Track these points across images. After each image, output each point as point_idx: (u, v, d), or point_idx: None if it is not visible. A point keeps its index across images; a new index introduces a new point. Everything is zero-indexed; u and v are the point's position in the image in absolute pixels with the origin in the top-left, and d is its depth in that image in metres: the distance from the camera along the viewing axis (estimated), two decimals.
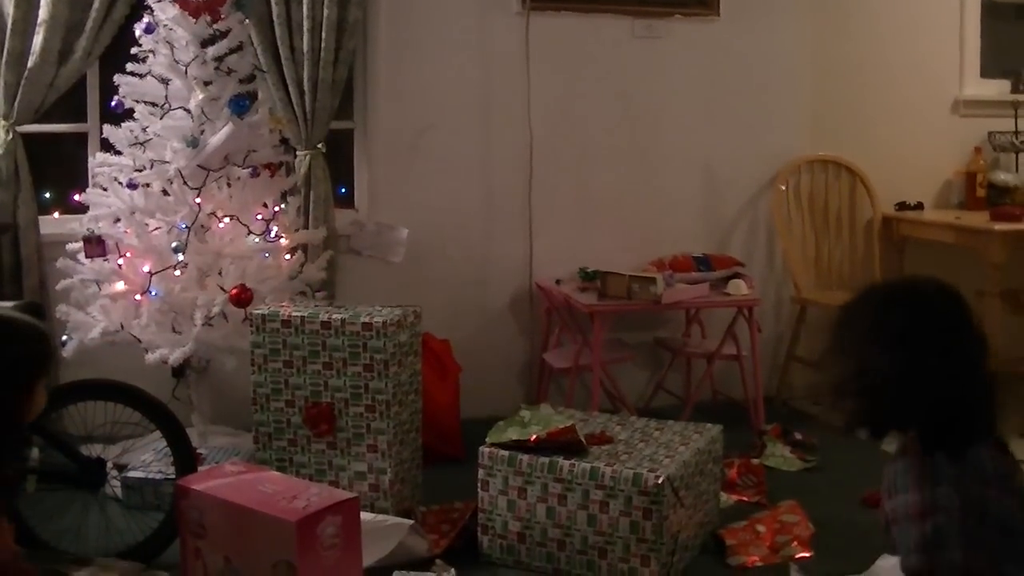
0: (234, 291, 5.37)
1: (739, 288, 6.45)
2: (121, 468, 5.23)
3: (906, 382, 2.86)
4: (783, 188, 7.07)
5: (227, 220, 5.59)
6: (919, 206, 7.26)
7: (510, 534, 4.69)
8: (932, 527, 2.75)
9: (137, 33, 5.67)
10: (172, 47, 5.57)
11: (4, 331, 3.37)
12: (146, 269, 5.45)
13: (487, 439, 4.81)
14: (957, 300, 2.92)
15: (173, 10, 5.54)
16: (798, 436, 6.12)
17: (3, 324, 3.41)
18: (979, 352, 2.88)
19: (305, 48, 6.19)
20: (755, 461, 5.74)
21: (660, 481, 4.40)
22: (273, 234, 5.72)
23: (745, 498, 5.39)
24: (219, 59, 5.67)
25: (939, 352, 2.84)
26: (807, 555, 4.77)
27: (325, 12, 6.18)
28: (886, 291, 3.06)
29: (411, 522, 4.74)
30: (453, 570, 4.54)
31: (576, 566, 4.55)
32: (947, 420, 2.84)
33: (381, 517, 4.77)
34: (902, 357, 2.85)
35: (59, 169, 6.67)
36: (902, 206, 7.22)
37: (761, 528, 4.99)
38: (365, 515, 4.75)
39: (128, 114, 5.68)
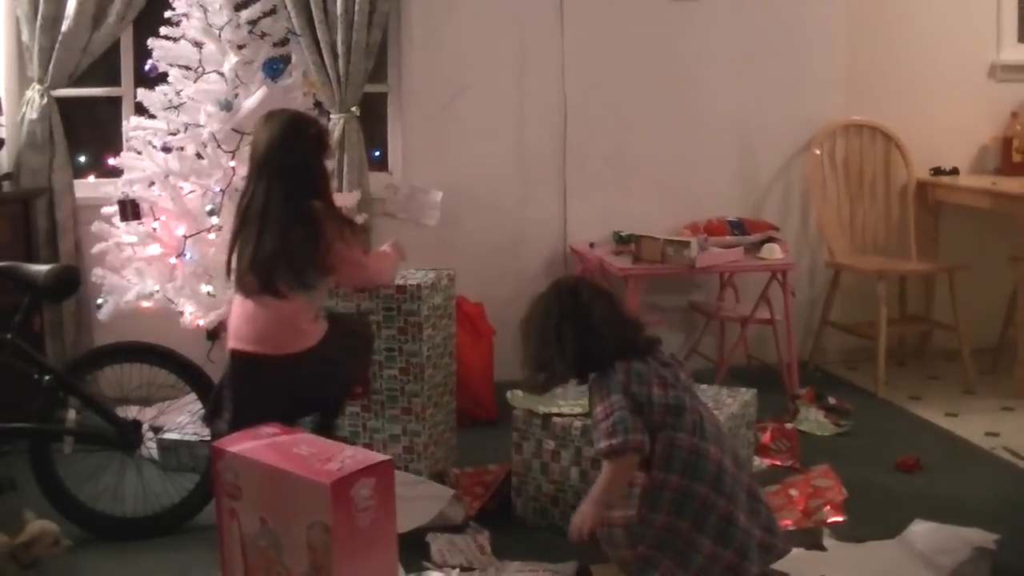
0: None
1: (773, 252, 6.43)
2: (157, 430, 5.26)
3: (564, 347, 3.99)
4: (818, 152, 7.03)
5: None
6: (954, 171, 7.21)
7: (543, 497, 4.70)
8: (612, 421, 3.81)
9: None
10: (206, 11, 5.56)
11: None
12: (180, 232, 5.46)
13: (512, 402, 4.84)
14: (578, 288, 4.09)
15: None
16: (831, 401, 6.11)
17: None
18: (602, 312, 3.98)
19: (339, 11, 6.18)
20: (788, 425, 5.72)
21: None
22: None
23: (778, 462, 5.38)
24: (253, 22, 5.66)
25: (575, 322, 3.98)
26: (840, 519, 4.76)
27: None
28: (544, 295, 4.15)
29: (453, 492, 4.75)
30: (487, 532, 4.56)
31: None
32: (601, 357, 3.95)
33: (423, 486, 4.82)
34: (556, 333, 4.00)
35: (94, 133, 6.70)
36: (937, 171, 7.17)
37: (794, 492, 4.98)
38: (406, 480, 4.81)
39: (162, 78, 5.68)
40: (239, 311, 4.35)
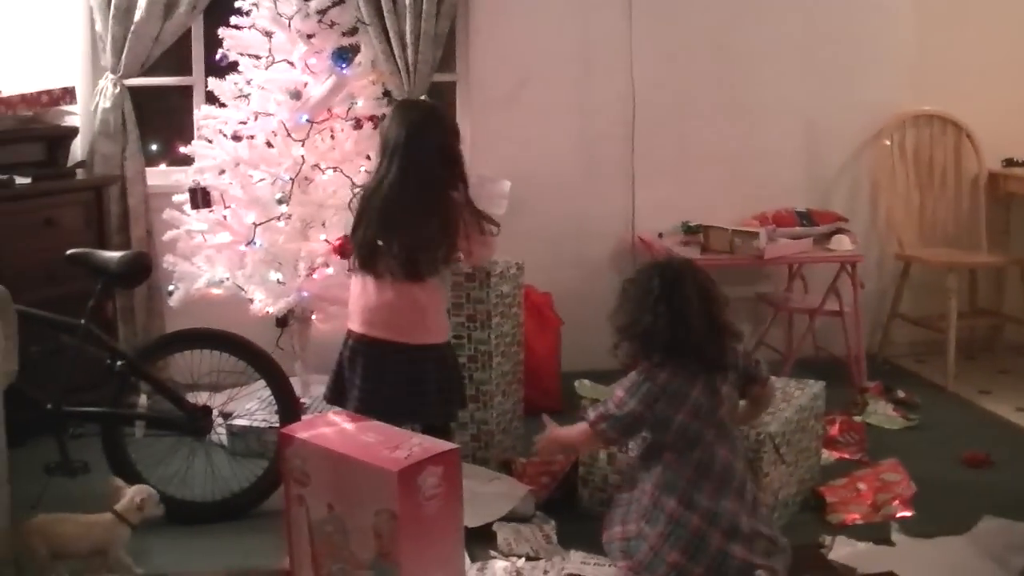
0: (337, 242, 5.40)
1: (842, 244, 6.40)
2: (226, 416, 5.30)
3: (649, 328, 4.04)
4: (888, 143, 6.98)
5: (330, 172, 5.63)
6: None
7: (609, 487, 4.70)
8: (615, 415, 4.06)
9: None
10: (275, 0, 5.60)
11: None
12: (250, 220, 5.50)
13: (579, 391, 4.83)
14: (683, 277, 4.07)
15: None
16: (900, 394, 6.07)
17: None
18: (694, 310, 4.01)
19: (407, 0, 6.19)
20: (856, 418, 5.70)
21: (760, 437, 4.39)
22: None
23: (846, 455, 5.35)
24: (322, 12, 5.70)
25: (668, 308, 4.02)
26: (908, 514, 4.73)
27: None
28: (651, 266, 4.20)
29: (527, 488, 4.77)
30: (553, 522, 4.57)
31: None
32: (667, 349, 4.03)
33: (498, 481, 4.86)
34: (649, 311, 4.04)
35: (165, 121, 6.75)
36: (1009, 162, 7.09)
37: (862, 486, 4.95)
38: (480, 474, 4.90)
39: (232, 67, 5.73)
40: (369, 298, 4.46)
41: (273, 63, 5.63)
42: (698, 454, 3.96)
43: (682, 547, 3.87)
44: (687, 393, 3.97)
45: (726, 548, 3.86)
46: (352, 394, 4.48)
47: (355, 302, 4.52)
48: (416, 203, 4.37)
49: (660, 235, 6.63)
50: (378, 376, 4.44)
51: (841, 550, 4.33)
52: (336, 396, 4.57)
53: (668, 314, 3.99)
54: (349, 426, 3.89)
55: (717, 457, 3.97)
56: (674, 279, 4.05)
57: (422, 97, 6.32)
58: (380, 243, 4.37)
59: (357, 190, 4.74)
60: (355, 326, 4.51)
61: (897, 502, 4.82)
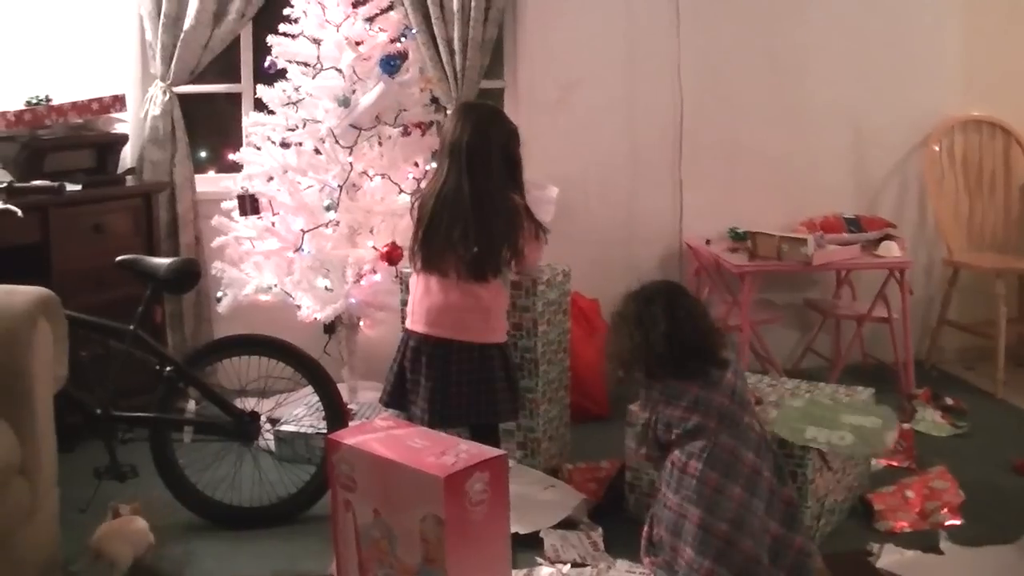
0: (385, 249, 5.42)
1: (890, 250, 6.37)
2: (274, 422, 5.33)
3: (631, 351, 4.15)
4: (936, 148, 6.95)
5: (378, 178, 5.65)
6: None
7: (656, 493, 4.69)
8: (647, 438, 4.16)
9: None
10: (323, 7, 5.63)
11: None
12: (298, 227, 5.53)
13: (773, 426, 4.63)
14: (654, 298, 4.16)
15: None
16: (949, 401, 6.04)
17: None
18: (668, 327, 4.08)
19: (455, 7, 6.21)
20: (905, 425, 5.66)
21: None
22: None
23: (894, 463, 5.32)
24: (370, 19, 5.73)
25: (643, 331, 4.11)
26: (957, 522, 4.70)
27: None
28: (629, 295, 4.26)
29: (582, 496, 4.79)
30: (600, 529, 4.57)
31: None
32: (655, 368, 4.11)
33: (554, 489, 4.88)
34: (628, 336, 4.14)
35: (214, 128, 6.80)
36: None
37: (910, 494, 4.91)
38: (538, 480, 4.96)
39: (280, 74, 5.76)
40: (434, 298, 4.55)
41: (321, 70, 5.66)
42: (699, 444, 4.00)
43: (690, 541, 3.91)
44: (680, 391, 4.07)
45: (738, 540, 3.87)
46: (419, 394, 4.53)
47: (418, 303, 4.58)
48: (479, 202, 4.46)
49: (708, 241, 6.62)
50: (444, 375, 4.50)
51: (889, 558, 4.31)
52: (397, 399, 4.63)
53: (640, 335, 4.11)
54: (396, 432, 3.90)
55: (720, 445, 3.99)
56: (646, 301, 4.17)
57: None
58: (446, 242, 4.45)
59: (415, 195, 4.76)
60: (418, 327, 4.57)
61: (946, 510, 4.79)
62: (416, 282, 4.62)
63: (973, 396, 6.34)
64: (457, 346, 4.50)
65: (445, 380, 4.50)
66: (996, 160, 7.03)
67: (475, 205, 4.45)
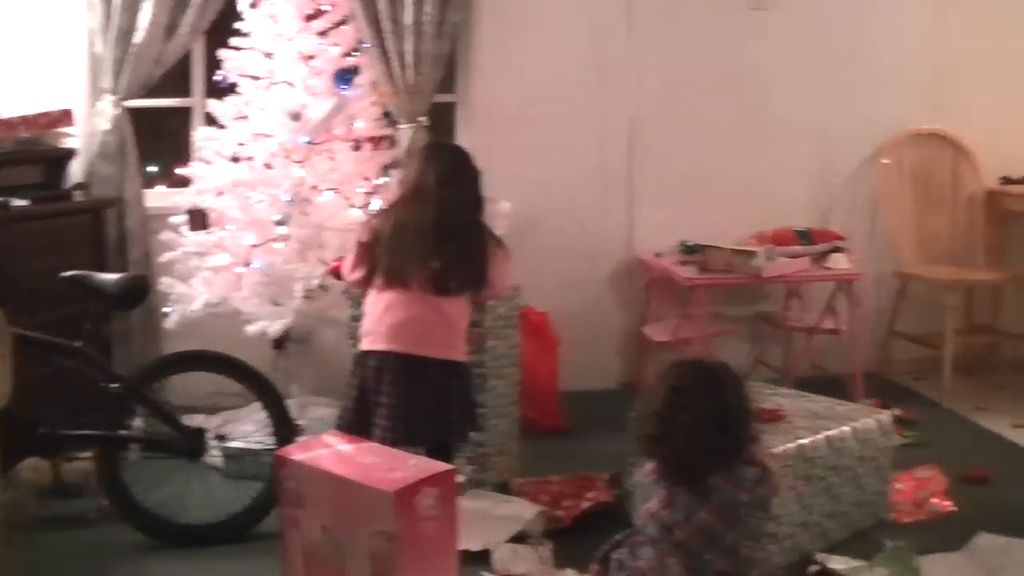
0: (335, 263, 5.41)
1: (840, 262, 6.41)
2: (222, 438, 5.29)
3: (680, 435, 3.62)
4: (887, 162, 6.99)
5: (329, 193, 5.64)
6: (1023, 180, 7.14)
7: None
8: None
9: (242, 7, 5.72)
10: (276, 21, 5.62)
11: None
12: (248, 242, 5.51)
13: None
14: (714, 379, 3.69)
15: None
16: (898, 412, 6.07)
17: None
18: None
19: (408, 21, 6.21)
20: None
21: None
22: (374, 207, 5.72)
23: None
24: (323, 33, 5.72)
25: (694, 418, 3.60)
26: (950, 506, 4.96)
27: None
28: (681, 368, 3.76)
29: (539, 508, 4.81)
30: (550, 543, 4.56)
31: None
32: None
33: (509, 504, 4.91)
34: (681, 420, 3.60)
35: (164, 143, 6.77)
36: (1007, 180, 7.09)
37: (900, 485, 5.10)
38: (493, 497, 5.00)
39: (232, 88, 5.74)
40: (396, 314, 4.52)
41: (273, 84, 5.65)
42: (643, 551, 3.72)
43: None
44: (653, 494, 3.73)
45: None
46: (380, 412, 4.50)
47: (378, 322, 4.55)
48: (444, 225, 4.51)
49: (658, 255, 6.63)
50: (406, 391, 4.48)
51: (836, 566, 4.33)
52: (356, 424, 4.54)
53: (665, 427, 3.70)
54: (345, 448, 3.91)
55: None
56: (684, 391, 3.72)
57: (421, 119, 6.34)
58: (410, 256, 4.50)
59: (368, 223, 4.76)
60: (379, 344, 4.54)
61: (936, 499, 4.99)
62: (374, 301, 4.60)
63: (921, 406, 6.41)
64: (421, 362, 4.48)
65: (407, 397, 4.47)
66: (945, 173, 7.10)
67: (438, 225, 4.49)
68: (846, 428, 4.67)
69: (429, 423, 4.48)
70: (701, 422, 3.61)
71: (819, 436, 4.55)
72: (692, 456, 3.63)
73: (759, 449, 3.84)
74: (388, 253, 4.55)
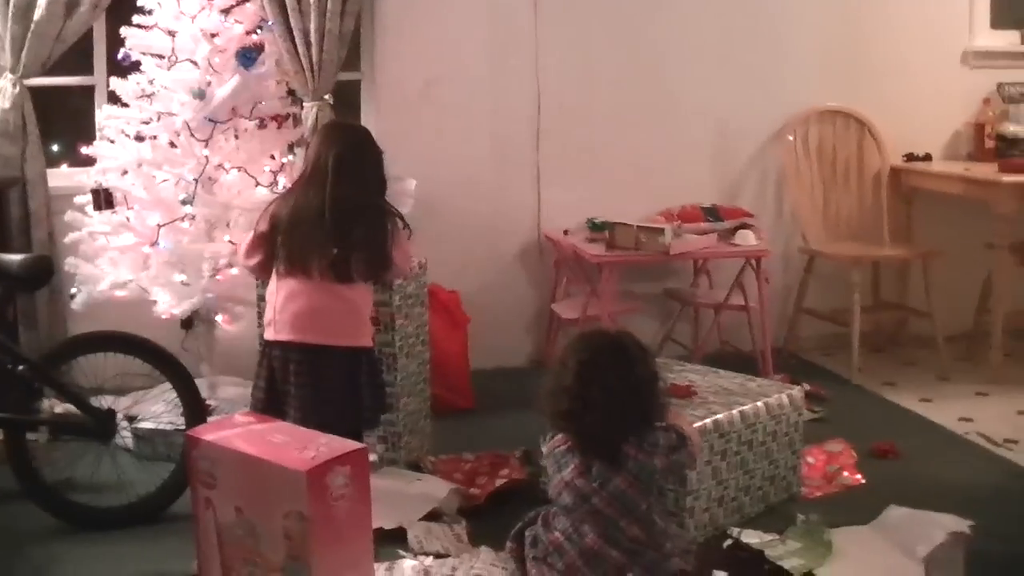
0: (243, 243, 5.37)
1: (747, 239, 6.46)
2: (132, 419, 5.25)
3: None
4: (791, 139, 7.05)
5: (235, 172, 5.59)
6: (927, 157, 7.22)
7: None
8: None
9: None
10: None
11: None
12: (154, 221, 5.45)
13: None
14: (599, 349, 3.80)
15: None
16: (806, 387, 6.11)
17: None
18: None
19: None
20: None
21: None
22: (281, 186, 5.66)
23: None
24: (226, 11, 5.66)
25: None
26: (860, 479, 5.04)
27: None
28: (586, 341, 3.88)
29: (453, 486, 4.82)
30: (464, 521, 4.57)
31: None
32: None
33: (422, 482, 4.93)
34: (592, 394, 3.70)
35: (66, 122, 6.68)
36: (910, 157, 7.18)
37: (810, 459, 5.17)
38: (405, 475, 5.01)
39: (135, 66, 5.66)
40: (299, 303, 4.48)
41: (176, 63, 5.57)
42: (561, 520, 3.79)
43: None
44: (568, 460, 3.79)
45: None
46: (291, 403, 4.47)
47: (281, 310, 4.51)
48: (341, 207, 4.45)
49: (566, 232, 6.64)
50: (315, 381, 4.46)
51: (749, 540, 4.36)
52: (270, 408, 4.50)
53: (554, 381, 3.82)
54: (256, 427, 3.88)
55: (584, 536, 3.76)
56: (580, 351, 3.83)
57: (326, 97, 6.30)
58: (309, 243, 4.44)
59: (267, 208, 4.70)
60: (282, 334, 4.50)
61: (846, 472, 5.07)
62: (275, 289, 4.57)
63: (830, 382, 6.46)
64: (327, 351, 4.46)
65: (316, 387, 4.45)
66: (850, 150, 7.16)
67: (336, 209, 4.44)
68: (759, 404, 4.70)
69: (340, 411, 4.44)
70: (612, 394, 3.70)
71: (733, 411, 4.57)
72: (606, 429, 3.71)
73: (680, 417, 3.99)
74: (287, 240, 4.51)
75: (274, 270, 4.57)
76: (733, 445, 4.56)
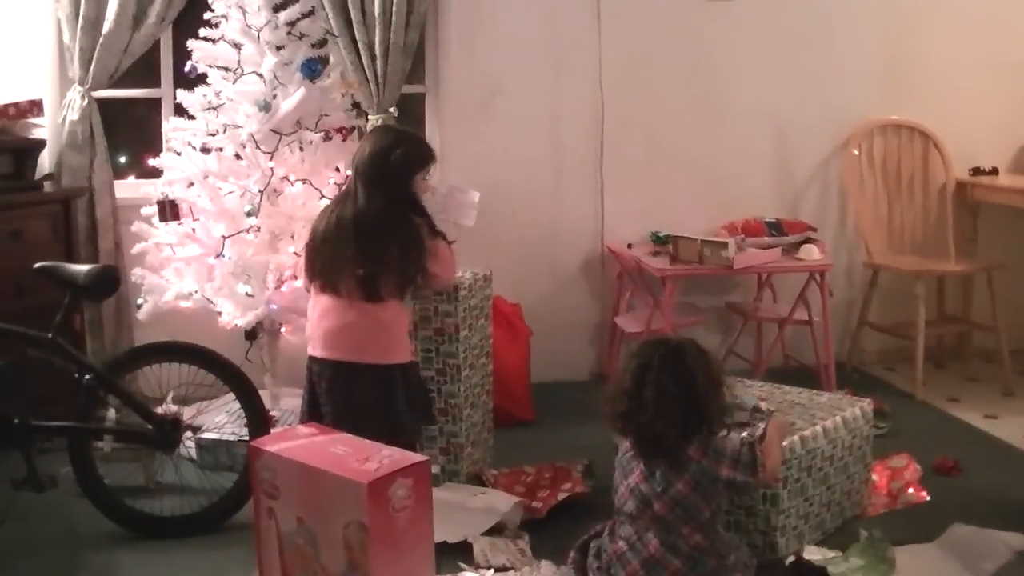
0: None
1: (811, 253, 6.42)
2: (195, 429, 5.28)
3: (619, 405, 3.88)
4: (856, 152, 7.01)
5: (299, 184, 5.62)
6: (994, 171, 7.15)
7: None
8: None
9: None
10: (244, 12, 5.59)
11: None
12: (219, 233, 5.49)
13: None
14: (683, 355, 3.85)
15: None
16: (871, 402, 6.09)
17: None
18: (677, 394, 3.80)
19: (376, 11, 6.19)
20: None
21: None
22: None
23: None
24: (291, 23, 5.70)
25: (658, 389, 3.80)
26: (924, 495, 4.99)
27: None
28: (646, 346, 3.97)
29: (516, 500, 4.81)
30: (527, 536, 4.56)
31: None
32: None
33: (486, 495, 4.92)
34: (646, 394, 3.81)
35: (134, 134, 6.74)
36: (976, 171, 7.12)
37: (874, 477, 5.09)
38: (470, 490, 4.99)
39: (201, 79, 5.71)
40: (331, 321, 4.49)
41: (242, 75, 5.62)
42: (622, 529, 3.90)
43: None
44: (632, 467, 3.90)
45: None
46: (326, 418, 4.48)
47: (316, 327, 4.54)
48: (365, 223, 4.41)
49: (629, 245, 6.63)
50: (347, 398, 4.47)
51: (812, 557, 4.33)
52: (312, 420, 4.50)
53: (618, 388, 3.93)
54: (319, 439, 3.90)
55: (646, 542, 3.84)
56: (645, 357, 3.91)
57: (391, 110, 6.32)
58: (339, 260, 4.42)
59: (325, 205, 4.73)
60: (316, 351, 4.54)
61: (911, 490, 5.02)
62: (312, 305, 4.59)
63: (893, 397, 6.40)
64: (359, 368, 4.45)
65: (349, 403, 4.46)
66: (915, 163, 7.10)
67: (360, 226, 4.40)
68: (837, 418, 4.68)
69: (372, 426, 4.26)
70: (665, 394, 3.79)
71: (816, 427, 4.55)
72: (661, 428, 3.79)
73: (773, 445, 3.98)
74: (318, 257, 4.52)
75: (312, 285, 4.60)
76: (817, 461, 4.54)
